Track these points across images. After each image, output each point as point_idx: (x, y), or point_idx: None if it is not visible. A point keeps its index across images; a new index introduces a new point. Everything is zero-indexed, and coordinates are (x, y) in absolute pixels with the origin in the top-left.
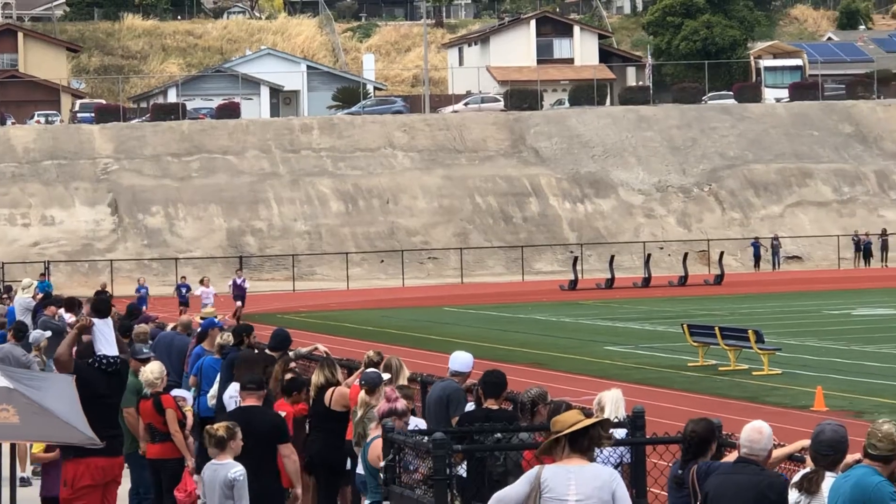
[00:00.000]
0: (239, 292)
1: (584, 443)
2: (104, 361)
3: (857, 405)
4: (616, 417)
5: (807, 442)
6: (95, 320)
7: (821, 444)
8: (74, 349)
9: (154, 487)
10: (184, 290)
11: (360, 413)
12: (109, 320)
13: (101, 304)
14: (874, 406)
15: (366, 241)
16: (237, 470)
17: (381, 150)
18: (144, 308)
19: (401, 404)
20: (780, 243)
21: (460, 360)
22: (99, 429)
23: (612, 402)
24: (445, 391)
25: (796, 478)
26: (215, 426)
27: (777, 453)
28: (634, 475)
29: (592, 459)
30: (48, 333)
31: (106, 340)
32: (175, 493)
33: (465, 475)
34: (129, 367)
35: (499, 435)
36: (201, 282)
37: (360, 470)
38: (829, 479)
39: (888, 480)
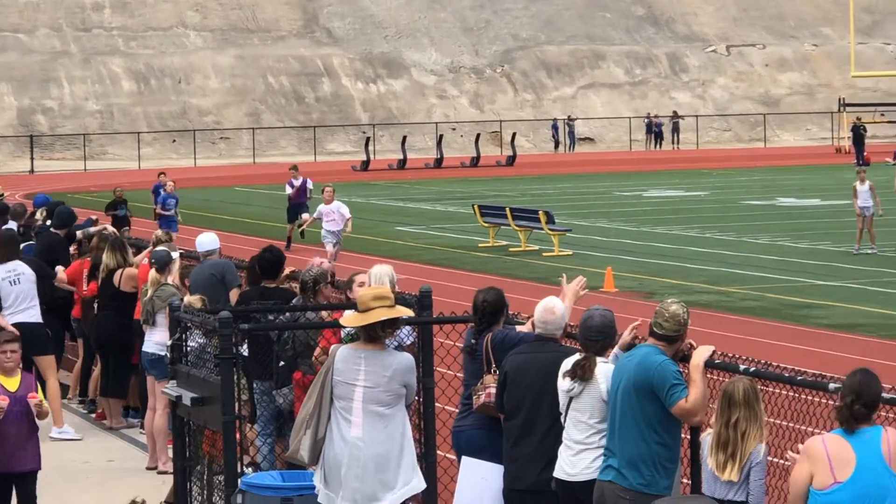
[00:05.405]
0: (302, 199)
1: (378, 332)
2: None
3: (647, 286)
4: None
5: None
6: None
7: (590, 330)
8: None
9: None
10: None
11: (150, 291)
12: None
13: None
14: (663, 287)
15: (158, 120)
16: None
17: (173, 30)
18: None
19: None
20: (574, 125)
21: (207, 240)
22: None
23: (376, 279)
24: (217, 267)
25: (567, 366)
26: None
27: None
28: (422, 355)
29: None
30: None
31: None
32: None
33: (246, 354)
34: None
35: (284, 316)
36: (322, 191)
37: (146, 348)
38: (600, 365)
39: (671, 360)
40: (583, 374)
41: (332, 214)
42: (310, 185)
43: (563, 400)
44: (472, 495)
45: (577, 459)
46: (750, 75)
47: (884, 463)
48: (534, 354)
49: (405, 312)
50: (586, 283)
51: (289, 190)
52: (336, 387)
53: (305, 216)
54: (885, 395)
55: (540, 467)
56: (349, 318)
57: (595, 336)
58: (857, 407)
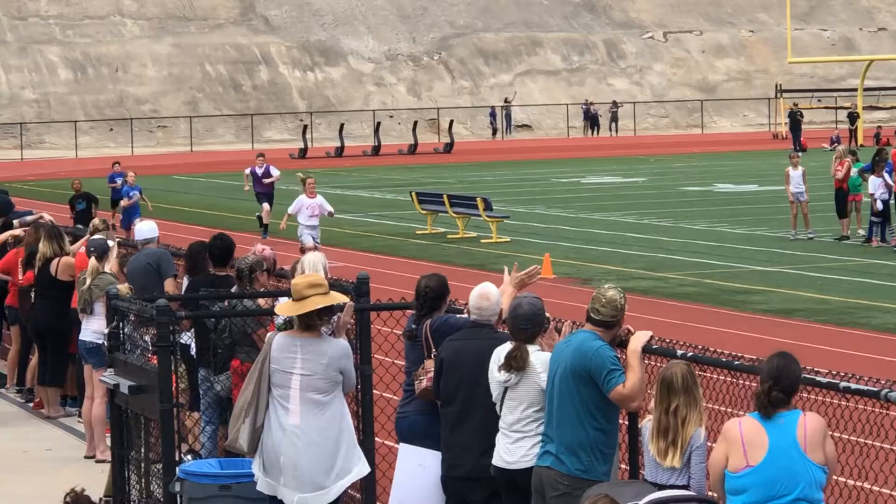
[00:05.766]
0: (263, 189)
1: (314, 320)
2: None
3: (584, 272)
4: None
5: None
6: None
7: (518, 319)
8: None
9: None
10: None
11: (88, 280)
12: None
13: None
14: (601, 273)
15: (95, 109)
16: None
17: (110, 18)
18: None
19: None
20: (511, 104)
21: (146, 228)
22: None
23: (310, 267)
24: (153, 257)
25: (500, 359)
26: None
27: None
28: (360, 342)
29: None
30: None
31: None
32: None
33: (189, 342)
34: None
35: (221, 304)
36: (304, 182)
37: (83, 337)
38: (537, 354)
39: (609, 345)
40: (517, 364)
41: (315, 209)
42: (275, 172)
43: (497, 390)
44: (409, 482)
45: (516, 447)
46: (687, 62)
47: (798, 448)
48: (469, 341)
49: (340, 299)
50: (538, 272)
51: (247, 171)
52: (273, 375)
53: (267, 207)
54: (821, 378)
55: (477, 454)
56: (284, 307)
57: (524, 325)
58: (775, 393)
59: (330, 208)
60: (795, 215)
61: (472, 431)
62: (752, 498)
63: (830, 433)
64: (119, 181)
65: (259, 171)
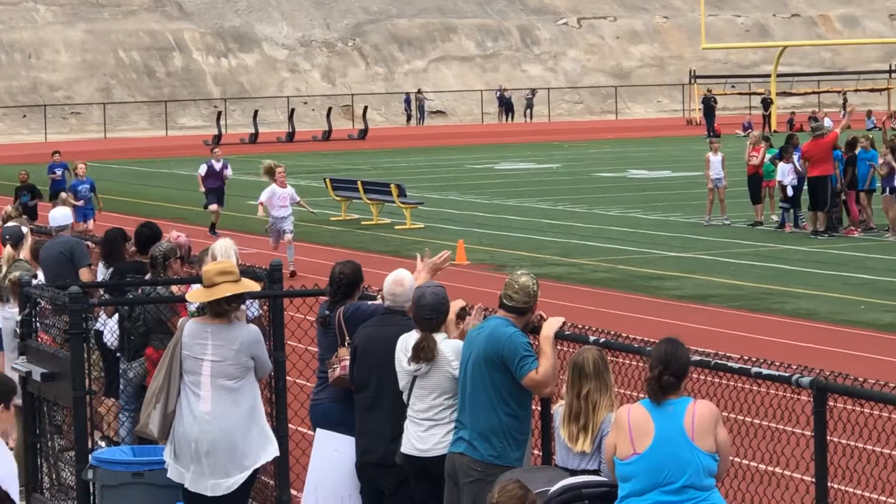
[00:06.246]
0: (217, 183)
1: (224, 307)
2: None
3: (498, 258)
4: None
5: (461, 302)
6: None
7: (423, 308)
8: None
9: None
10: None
11: (4, 268)
12: None
13: None
14: (515, 259)
15: (7, 95)
16: None
17: (22, 4)
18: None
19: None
20: (425, 97)
21: (59, 215)
22: None
23: (222, 253)
24: (66, 246)
25: (408, 350)
26: None
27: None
28: (273, 328)
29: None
30: None
31: None
32: None
33: (103, 329)
34: None
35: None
36: (272, 171)
37: None
38: (449, 342)
39: (521, 331)
40: (426, 355)
41: (286, 199)
42: (229, 172)
43: (405, 379)
44: (325, 467)
45: (428, 435)
46: (601, 48)
47: (685, 436)
48: (382, 327)
49: (251, 287)
50: (450, 257)
51: (202, 171)
52: (184, 361)
53: (215, 207)
54: (733, 364)
55: (389, 440)
56: (195, 294)
57: (428, 314)
58: (666, 377)
59: (297, 197)
60: (712, 201)
61: (383, 417)
62: (639, 485)
63: (742, 418)
64: (59, 172)
65: (217, 165)
